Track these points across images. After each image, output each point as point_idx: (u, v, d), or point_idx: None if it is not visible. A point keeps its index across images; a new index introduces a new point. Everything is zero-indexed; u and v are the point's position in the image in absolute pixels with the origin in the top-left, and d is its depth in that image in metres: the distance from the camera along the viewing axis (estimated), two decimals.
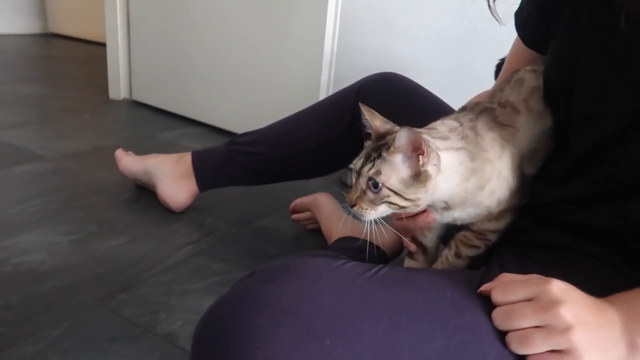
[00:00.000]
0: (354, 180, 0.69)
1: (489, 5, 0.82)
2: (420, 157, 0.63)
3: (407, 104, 1.11)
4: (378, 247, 1.03)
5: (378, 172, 0.65)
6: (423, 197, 0.66)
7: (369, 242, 1.03)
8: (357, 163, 0.68)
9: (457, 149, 0.68)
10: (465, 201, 0.70)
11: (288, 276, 0.59)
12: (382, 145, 0.66)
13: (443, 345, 0.53)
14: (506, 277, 0.59)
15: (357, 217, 0.70)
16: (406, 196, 0.65)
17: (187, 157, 1.27)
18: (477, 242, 0.75)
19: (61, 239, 1.09)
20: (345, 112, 1.14)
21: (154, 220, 1.22)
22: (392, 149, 0.63)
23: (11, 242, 1.05)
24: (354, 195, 0.67)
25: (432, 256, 0.84)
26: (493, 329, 0.55)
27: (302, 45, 1.66)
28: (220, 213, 1.30)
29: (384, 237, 1.05)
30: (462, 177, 0.68)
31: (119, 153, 1.36)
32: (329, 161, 1.24)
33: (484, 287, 0.59)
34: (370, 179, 0.65)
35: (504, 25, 0.87)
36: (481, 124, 0.72)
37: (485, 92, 0.93)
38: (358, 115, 1.12)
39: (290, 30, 1.68)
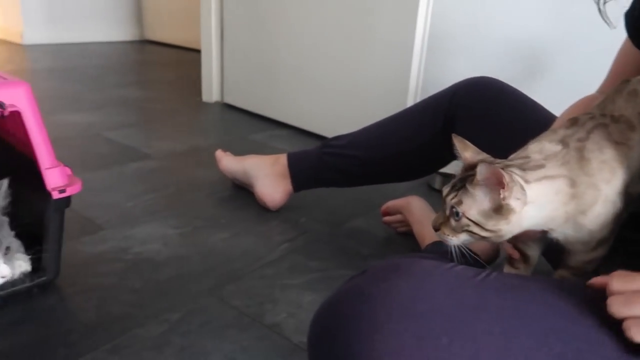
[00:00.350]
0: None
1: (599, 9, 0.80)
2: (501, 191, 0.63)
3: (504, 109, 1.11)
4: (473, 252, 1.03)
5: (459, 202, 0.66)
6: (505, 228, 0.66)
7: (464, 247, 1.04)
8: (444, 190, 0.70)
9: (553, 177, 0.67)
10: (567, 221, 0.69)
11: (401, 275, 0.62)
12: (469, 176, 0.67)
13: (559, 352, 0.54)
14: (622, 272, 0.58)
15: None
16: (486, 227, 0.66)
17: (283, 159, 1.34)
18: (573, 279, 0.74)
19: (172, 231, 1.20)
20: (438, 117, 1.16)
21: (252, 217, 1.30)
22: (474, 181, 0.65)
23: (131, 233, 1.17)
24: (438, 220, 0.70)
25: (533, 265, 0.84)
26: (610, 340, 0.55)
27: (391, 50, 1.69)
28: (313, 213, 1.35)
29: (479, 243, 1.06)
30: (560, 203, 0.67)
31: (219, 153, 1.46)
32: (420, 166, 1.25)
33: (597, 280, 0.58)
34: (452, 207, 0.67)
35: (614, 28, 0.85)
36: (591, 144, 0.70)
37: (587, 98, 0.90)
38: (451, 121, 1.14)
39: (379, 34, 1.71)
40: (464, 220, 0.67)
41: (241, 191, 1.44)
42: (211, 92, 2.40)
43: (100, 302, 0.92)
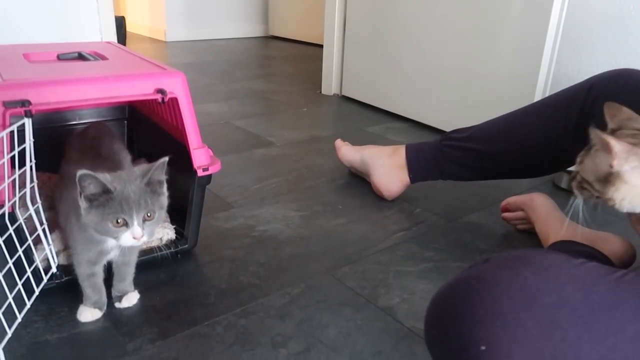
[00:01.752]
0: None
1: None
2: (621, 162, 0.64)
3: None
4: (605, 256, 0.96)
5: (581, 162, 0.71)
6: (616, 195, 0.66)
7: (595, 249, 0.98)
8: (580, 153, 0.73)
9: None
10: None
11: (527, 265, 0.61)
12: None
13: None
14: None
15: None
16: (595, 189, 0.69)
17: (401, 150, 1.35)
18: None
19: (294, 213, 1.27)
20: (572, 111, 1.09)
21: (368, 206, 1.34)
22: (596, 147, 0.68)
23: (257, 212, 1.27)
24: (571, 180, 0.75)
25: None
26: None
27: (521, 41, 1.61)
28: (428, 205, 1.35)
29: (611, 245, 0.99)
30: None
31: (339, 142, 1.51)
32: (547, 163, 1.19)
33: None
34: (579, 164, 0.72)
35: None
36: None
37: None
38: (588, 115, 1.07)
39: (509, 24, 1.64)
40: (579, 177, 0.72)
41: (358, 180, 1.48)
42: (331, 84, 2.48)
43: (231, 271, 1.02)
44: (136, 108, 1.31)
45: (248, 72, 3.05)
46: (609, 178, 0.66)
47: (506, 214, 1.24)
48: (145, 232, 0.77)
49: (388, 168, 1.35)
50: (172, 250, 1.03)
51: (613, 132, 0.72)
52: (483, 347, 0.55)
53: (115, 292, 0.91)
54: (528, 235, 1.19)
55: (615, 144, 0.63)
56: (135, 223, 0.74)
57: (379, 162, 1.37)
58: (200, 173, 0.97)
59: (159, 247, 1.02)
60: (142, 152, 1.32)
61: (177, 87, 0.91)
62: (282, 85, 2.73)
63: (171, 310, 0.90)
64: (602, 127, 0.72)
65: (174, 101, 0.92)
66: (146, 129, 1.27)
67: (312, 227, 1.21)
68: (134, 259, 0.92)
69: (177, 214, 1.07)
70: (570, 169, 1.24)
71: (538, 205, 1.15)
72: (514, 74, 1.65)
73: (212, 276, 1.01)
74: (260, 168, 1.56)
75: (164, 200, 0.82)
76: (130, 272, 0.92)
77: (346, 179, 1.50)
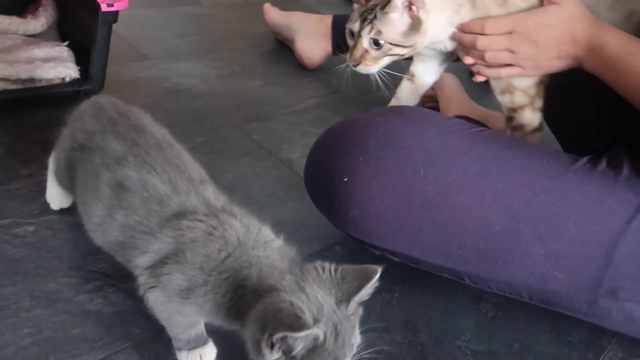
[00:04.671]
0: (350, 42, 0.77)
1: None
2: (413, 7, 0.69)
3: None
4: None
5: (379, 32, 0.72)
6: (419, 40, 0.73)
7: (482, 124, 1.06)
8: (353, 26, 0.74)
9: None
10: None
11: (400, 115, 0.66)
12: (373, 7, 0.72)
13: (526, 200, 0.59)
14: None
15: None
16: (406, 44, 0.73)
17: (328, 19, 1.33)
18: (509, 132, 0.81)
19: (211, 71, 1.26)
20: None
21: (288, 72, 1.34)
22: (387, 9, 0.69)
23: (172, 66, 1.24)
24: (357, 54, 0.74)
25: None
26: (579, 203, 0.59)
27: None
28: (347, 77, 1.37)
29: (500, 123, 1.07)
30: (452, 11, 0.73)
31: (267, 6, 1.46)
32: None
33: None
34: (372, 39, 0.72)
35: None
36: None
37: None
38: None
39: None
40: (387, 46, 0.73)
41: (282, 48, 1.46)
42: None
43: None
44: None
45: None
46: (415, 27, 0.71)
47: None
48: None
49: (312, 36, 1.34)
50: (75, 88, 1.00)
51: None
52: (345, 179, 0.61)
53: None
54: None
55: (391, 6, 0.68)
56: None
57: (304, 29, 1.35)
58: (104, 8, 0.92)
59: (61, 84, 0.99)
60: None
61: None
62: None
63: None
64: None
65: None
66: None
67: (227, 85, 1.21)
68: None
69: (84, 54, 1.03)
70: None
71: (446, 85, 1.21)
72: None
73: None
74: (183, 25, 1.50)
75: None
76: None
77: (271, 46, 1.48)
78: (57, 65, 1.00)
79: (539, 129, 0.79)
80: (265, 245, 0.51)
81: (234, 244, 0.50)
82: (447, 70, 1.40)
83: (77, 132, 0.64)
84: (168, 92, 1.13)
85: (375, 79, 0.79)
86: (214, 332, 0.58)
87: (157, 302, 0.53)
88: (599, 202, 0.58)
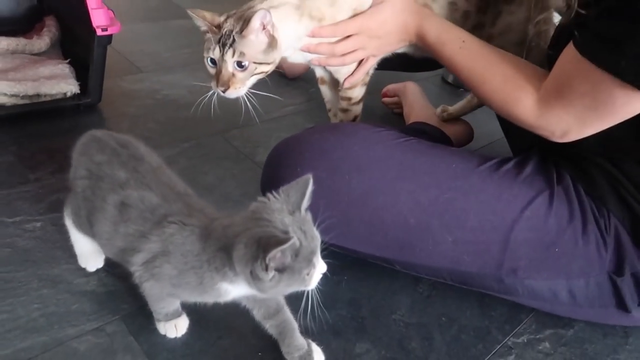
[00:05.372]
0: (212, 70, 0.80)
1: None
2: (268, 27, 0.75)
3: None
4: (445, 135, 1.17)
5: (242, 54, 0.76)
6: (277, 55, 0.81)
7: (438, 129, 1.18)
8: (214, 54, 0.77)
9: (277, 7, 0.79)
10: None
11: (334, 131, 0.80)
12: (229, 33, 0.75)
13: (434, 197, 0.71)
14: None
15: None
16: (268, 61, 0.79)
17: None
18: (344, 105, 0.97)
19: (198, 82, 1.38)
20: None
21: (269, 82, 1.47)
22: (245, 32, 0.74)
23: (163, 78, 1.38)
24: (225, 79, 0.78)
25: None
26: (480, 198, 0.71)
27: None
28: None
29: (455, 128, 1.20)
30: (295, 22, 0.80)
31: None
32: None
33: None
34: (236, 62, 0.76)
35: None
36: None
37: None
38: None
39: None
40: (252, 66, 0.78)
41: None
42: None
43: (131, 125, 1.16)
44: None
45: None
46: (271, 45, 0.77)
47: (385, 99, 1.42)
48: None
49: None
50: (75, 102, 1.14)
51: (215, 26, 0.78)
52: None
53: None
54: (401, 118, 1.39)
55: (255, 17, 0.73)
56: (320, 259, 0.59)
57: None
58: (99, 33, 1.06)
59: (63, 99, 1.13)
60: (50, 7, 1.36)
61: None
62: None
63: (71, 152, 1.04)
64: None
65: None
66: None
67: (210, 96, 1.34)
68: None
69: (84, 71, 1.17)
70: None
71: (409, 93, 1.33)
72: None
73: (113, 128, 1.14)
74: (175, 38, 1.63)
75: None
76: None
77: None
78: (60, 82, 1.14)
79: (362, 100, 0.98)
80: (222, 219, 0.62)
81: (203, 226, 0.61)
82: (411, 79, 1.53)
83: (87, 164, 0.71)
84: (158, 103, 1.26)
85: (244, 102, 0.83)
86: (185, 307, 0.72)
87: (152, 290, 0.64)
88: (497, 196, 0.71)
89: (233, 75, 0.79)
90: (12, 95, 1.08)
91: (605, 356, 0.78)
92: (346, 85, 0.94)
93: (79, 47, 1.22)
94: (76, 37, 1.25)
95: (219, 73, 0.79)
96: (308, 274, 0.57)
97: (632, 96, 0.59)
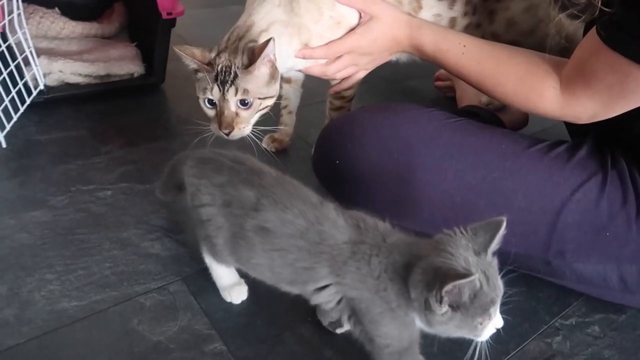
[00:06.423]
0: (211, 112, 0.75)
1: None
2: (272, 56, 0.72)
3: None
4: (498, 118, 1.16)
5: (246, 91, 0.71)
6: (278, 85, 0.78)
7: (491, 112, 1.17)
8: (212, 94, 0.72)
9: (267, 29, 0.78)
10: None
11: (384, 110, 0.82)
12: (227, 68, 0.71)
13: (482, 176, 0.72)
14: None
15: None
16: (271, 95, 0.76)
17: None
18: (337, 103, 0.98)
19: None
20: None
21: None
22: (251, 68, 0.71)
23: None
24: (228, 120, 0.73)
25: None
26: (529, 179, 0.71)
27: None
28: (379, 70, 1.52)
29: (509, 115, 1.18)
30: (286, 44, 0.79)
31: None
32: None
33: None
34: (240, 100, 0.72)
35: None
36: None
37: None
38: None
39: None
40: (256, 102, 0.74)
41: None
42: None
43: (190, 105, 1.21)
44: None
45: None
46: (273, 76, 0.76)
47: (438, 83, 1.42)
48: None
49: None
50: (141, 82, 1.22)
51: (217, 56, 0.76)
52: (337, 161, 0.77)
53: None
54: (453, 101, 1.38)
55: (268, 49, 0.70)
56: (498, 313, 0.55)
57: None
58: (164, 16, 1.12)
59: (131, 79, 1.21)
60: None
61: None
62: None
63: (138, 128, 1.12)
64: None
65: None
66: None
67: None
68: None
69: (149, 52, 1.25)
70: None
71: None
72: None
73: (175, 107, 1.21)
74: (234, 23, 1.68)
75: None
76: None
77: None
78: (128, 63, 1.22)
79: (353, 98, 0.99)
80: (390, 232, 0.58)
81: (371, 245, 0.56)
82: None
83: (208, 188, 0.64)
84: None
85: (252, 139, 0.78)
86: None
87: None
88: (546, 178, 0.71)
89: (237, 114, 0.74)
90: (86, 75, 1.17)
91: None
92: (331, 92, 0.97)
93: (145, 31, 1.30)
94: (142, 21, 1.33)
95: (220, 114, 0.74)
96: (481, 324, 0.52)
97: None
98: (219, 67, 0.72)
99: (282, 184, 0.62)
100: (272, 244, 0.59)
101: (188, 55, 0.74)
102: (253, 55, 0.73)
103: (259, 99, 0.75)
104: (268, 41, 0.71)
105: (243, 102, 0.74)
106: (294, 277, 0.59)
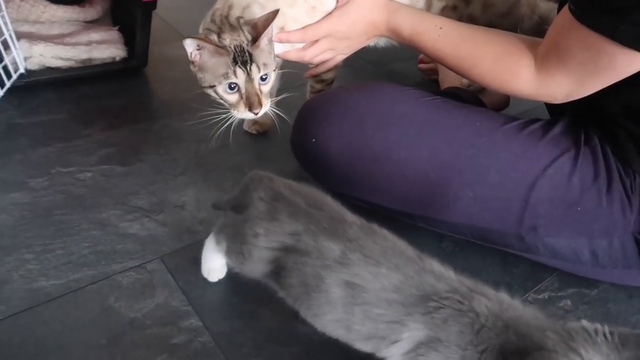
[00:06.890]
0: (233, 97, 0.74)
1: None
2: (267, 32, 0.73)
3: None
4: (479, 99, 1.16)
5: (265, 65, 0.73)
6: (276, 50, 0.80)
7: (472, 93, 1.18)
8: (237, 76, 0.72)
9: (249, 5, 0.79)
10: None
11: (361, 89, 0.82)
12: (239, 48, 0.71)
13: (456, 153, 0.73)
14: None
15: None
16: (275, 66, 0.78)
17: None
18: (318, 87, 0.99)
19: None
20: None
21: None
22: (259, 40, 0.72)
23: None
24: (257, 99, 0.74)
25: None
26: (503, 155, 0.72)
27: None
28: (364, 52, 1.52)
29: (490, 97, 1.19)
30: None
31: None
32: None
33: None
34: (262, 76, 0.74)
35: None
36: None
37: None
38: None
39: None
40: (272, 75, 0.77)
41: None
42: None
43: (173, 89, 1.22)
44: None
45: None
46: (271, 45, 0.77)
47: (421, 65, 1.42)
48: None
49: None
50: (123, 66, 1.21)
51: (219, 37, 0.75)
52: (314, 140, 0.78)
53: None
54: (436, 84, 1.39)
55: (262, 38, 0.72)
56: None
57: None
58: None
59: (113, 62, 1.21)
60: None
61: None
62: None
63: (120, 111, 1.12)
64: None
65: None
66: None
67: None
68: None
69: (131, 37, 1.24)
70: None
71: None
72: None
73: (157, 90, 1.21)
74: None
75: None
76: None
77: None
78: (110, 47, 1.22)
79: (333, 81, 0.99)
80: (512, 306, 0.51)
81: (484, 314, 0.49)
82: None
83: (279, 236, 0.58)
84: None
85: (272, 115, 0.81)
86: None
87: None
88: (520, 154, 0.71)
89: (260, 91, 0.76)
90: (67, 59, 1.17)
91: (629, 315, 0.78)
92: (307, 76, 0.97)
93: (127, 15, 1.29)
94: (124, 6, 1.32)
95: (249, 95, 0.74)
96: None
97: (633, 59, 0.59)
98: (232, 48, 0.72)
99: (372, 237, 0.56)
100: (358, 297, 0.53)
101: (209, 43, 0.72)
102: (255, 29, 0.74)
103: (273, 70, 0.78)
104: (271, 14, 0.72)
105: (262, 78, 0.76)
106: (372, 332, 0.54)
